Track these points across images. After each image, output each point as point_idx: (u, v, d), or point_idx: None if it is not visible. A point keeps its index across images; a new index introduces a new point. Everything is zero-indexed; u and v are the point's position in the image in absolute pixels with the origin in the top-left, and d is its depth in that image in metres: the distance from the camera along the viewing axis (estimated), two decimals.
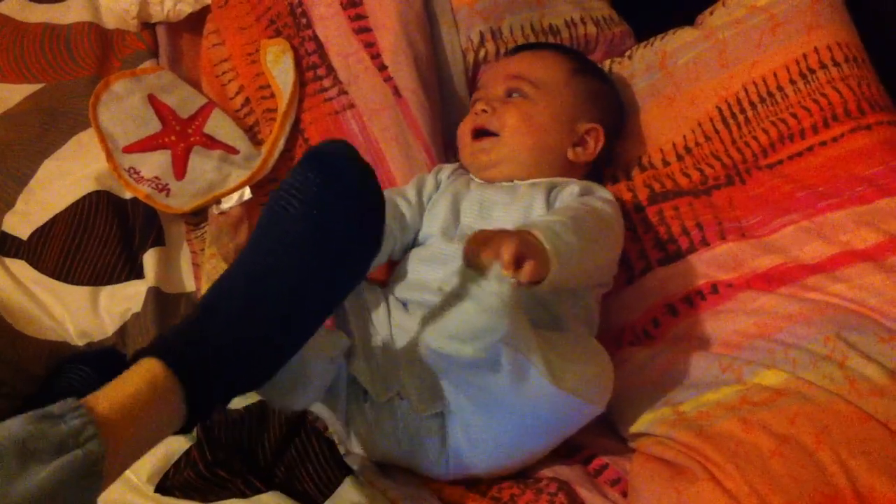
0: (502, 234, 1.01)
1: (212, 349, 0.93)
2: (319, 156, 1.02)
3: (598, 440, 1.20)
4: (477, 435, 1.11)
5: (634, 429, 1.16)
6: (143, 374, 0.88)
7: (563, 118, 1.38)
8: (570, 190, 1.30)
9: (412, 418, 1.14)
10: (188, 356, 0.91)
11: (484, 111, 1.38)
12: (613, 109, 1.48)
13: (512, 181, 1.35)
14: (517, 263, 0.99)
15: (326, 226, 0.99)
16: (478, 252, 1.00)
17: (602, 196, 1.31)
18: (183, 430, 0.92)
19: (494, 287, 0.96)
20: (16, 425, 0.77)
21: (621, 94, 1.52)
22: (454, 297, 0.98)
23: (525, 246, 1.00)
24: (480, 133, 1.38)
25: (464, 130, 1.41)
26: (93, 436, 0.79)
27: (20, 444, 0.76)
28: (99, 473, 0.79)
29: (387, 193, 1.33)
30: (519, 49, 1.50)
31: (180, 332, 0.94)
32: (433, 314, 1.03)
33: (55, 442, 0.77)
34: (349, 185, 1.02)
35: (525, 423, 1.08)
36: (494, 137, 1.37)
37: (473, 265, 1.00)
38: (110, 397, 0.85)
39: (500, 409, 1.06)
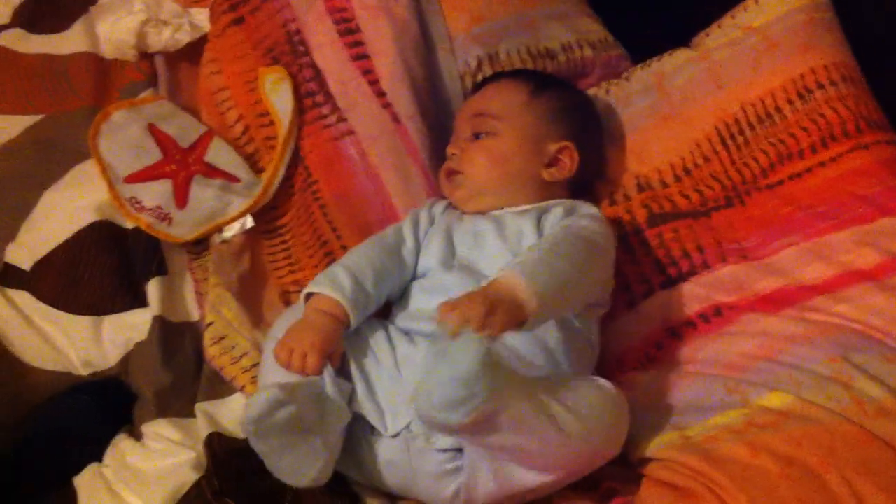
0: (469, 295, 1.03)
1: None
2: None
3: (606, 465, 1.19)
4: (491, 478, 1.09)
5: (641, 453, 1.16)
6: None
7: (527, 143, 1.38)
8: (556, 213, 1.31)
9: (423, 451, 1.14)
10: None
11: (454, 154, 1.41)
12: (584, 120, 1.47)
13: (502, 209, 1.35)
14: (485, 322, 1.00)
15: None
16: (449, 318, 1.01)
17: (587, 213, 1.31)
18: None
19: (466, 354, 0.96)
20: None
21: (616, 113, 1.53)
22: (434, 365, 0.98)
23: (493, 299, 1.02)
24: (450, 173, 1.40)
25: (441, 173, 1.43)
26: None
27: None
28: None
29: (388, 235, 1.35)
30: (481, 84, 1.50)
31: None
32: (421, 381, 1.01)
33: None
34: None
35: (543, 471, 1.08)
36: (462, 174, 1.38)
37: (447, 332, 1.00)
38: None
39: (515, 459, 1.06)
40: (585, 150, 1.41)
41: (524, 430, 1.01)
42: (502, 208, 1.35)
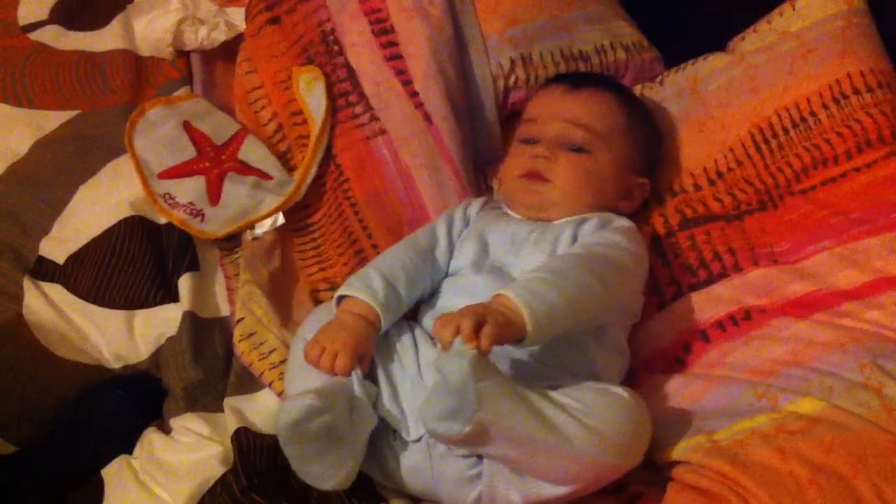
0: (462, 310, 1.05)
1: None
2: None
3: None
4: (511, 488, 1.10)
5: (669, 457, 1.15)
6: None
7: (619, 172, 1.37)
8: (591, 223, 1.29)
9: (445, 456, 1.13)
10: None
11: (545, 158, 1.35)
12: (658, 156, 1.48)
13: (550, 221, 1.34)
14: (476, 333, 1.02)
15: None
16: (442, 332, 1.03)
17: (618, 226, 1.30)
18: None
19: (454, 363, 0.99)
20: None
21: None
22: (435, 380, 1.03)
23: (484, 312, 1.04)
24: (533, 175, 1.36)
25: (514, 166, 1.38)
26: None
27: None
28: None
29: (421, 237, 1.34)
30: (578, 84, 1.44)
31: None
32: (426, 396, 1.06)
33: None
34: None
35: (556, 481, 1.08)
36: (549, 183, 1.34)
37: (443, 345, 1.03)
38: None
39: (524, 471, 1.07)
40: (652, 183, 1.43)
41: (527, 442, 1.02)
42: (551, 220, 1.34)
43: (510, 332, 1.05)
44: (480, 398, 0.99)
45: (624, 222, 1.32)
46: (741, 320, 1.28)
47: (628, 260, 1.24)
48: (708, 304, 1.31)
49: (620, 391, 1.11)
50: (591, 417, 1.05)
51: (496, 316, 1.05)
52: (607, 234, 1.27)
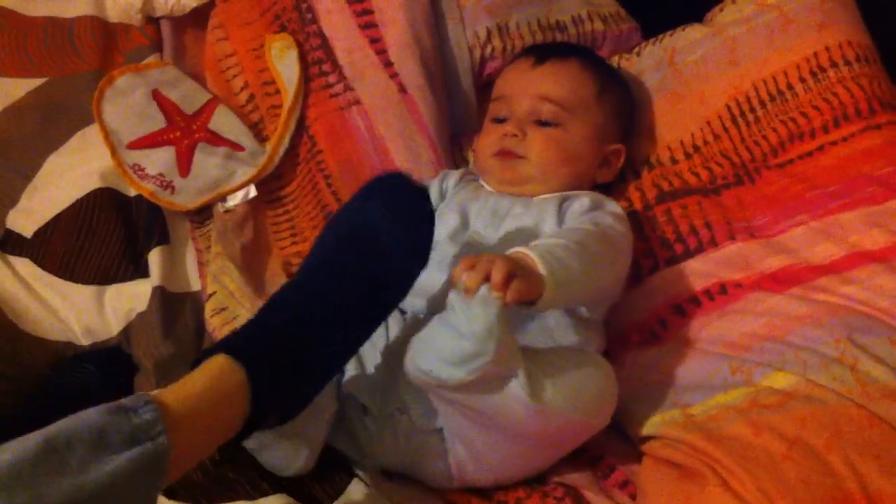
0: (492, 256, 1.01)
1: (277, 343, 0.97)
2: (382, 184, 1.12)
3: (607, 442, 1.19)
4: (479, 450, 1.10)
5: (643, 431, 1.16)
6: (212, 369, 0.92)
7: (594, 142, 1.36)
8: (581, 202, 1.28)
9: (413, 432, 1.13)
10: (255, 349, 0.95)
11: (515, 136, 1.34)
12: (632, 122, 1.46)
13: (533, 196, 1.33)
14: (505, 284, 0.99)
15: (389, 243, 1.07)
16: (466, 275, 1.00)
17: (612, 210, 1.29)
18: (243, 432, 0.94)
19: (481, 311, 0.96)
20: (93, 416, 0.80)
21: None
22: (444, 320, 0.98)
23: (515, 267, 1.00)
24: (506, 154, 1.34)
25: (487, 146, 1.37)
26: (161, 431, 0.81)
27: (97, 433, 0.78)
28: (164, 467, 0.82)
29: None
30: (543, 57, 1.42)
31: (246, 331, 0.99)
32: (421, 335, 1.02)
33: (127, 434, 0.80)
34: (408, 209, 1.09)
35: (524, 441, 1.08)
36: (523, 159, 1.33)
37: (462, 289, 0.99)
38: (180, 393, 0.88)
39: (496, 427, 1.06)
40: (628, 150, 1.41)
41: (511, 398, 1.01)
42: (532, 196, 1.33)
43: (531, 293, 1.02)
44: (499, 349, 0.96)
45: (616, 208, 1.31)
46: (717, 294, 1.28)
47: (626, 247, 1.25)
48: (684, 279, 1.31)
49: (592, 353, 1.13)
50: (565, 381, 1.05)
51: (527, 273, 1.02)
52: (602, 216, 1.26)
